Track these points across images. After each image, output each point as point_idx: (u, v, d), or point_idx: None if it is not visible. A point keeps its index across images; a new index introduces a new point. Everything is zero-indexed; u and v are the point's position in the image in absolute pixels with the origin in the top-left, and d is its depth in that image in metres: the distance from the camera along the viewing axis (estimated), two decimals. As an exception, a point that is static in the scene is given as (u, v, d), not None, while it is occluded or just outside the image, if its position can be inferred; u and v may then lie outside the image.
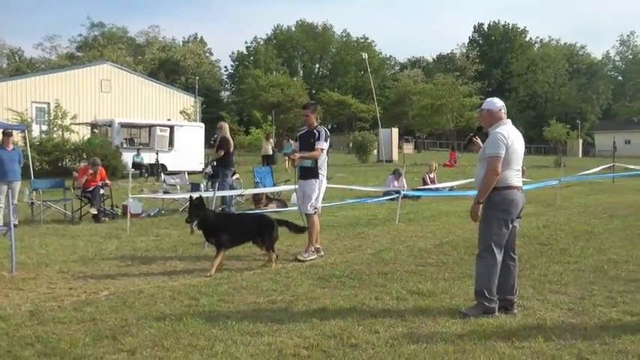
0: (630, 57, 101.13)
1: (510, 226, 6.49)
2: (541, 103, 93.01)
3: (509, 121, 6.65)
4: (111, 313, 6.55)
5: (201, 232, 9.20)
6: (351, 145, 51.90)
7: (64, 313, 6.57)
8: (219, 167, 15.10)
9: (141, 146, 31.58)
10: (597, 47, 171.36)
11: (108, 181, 15.56)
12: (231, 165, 15.47)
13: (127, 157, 28.85)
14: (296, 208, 10.94)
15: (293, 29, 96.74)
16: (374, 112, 58.12)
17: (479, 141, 7.05)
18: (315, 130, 9.69)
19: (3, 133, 14.65)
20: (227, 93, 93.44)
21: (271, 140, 26.37)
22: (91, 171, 14.88)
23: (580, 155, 68.87)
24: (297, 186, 10.24)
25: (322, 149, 9.60)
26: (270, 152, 33.66)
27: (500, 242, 6.42)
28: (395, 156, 45.47)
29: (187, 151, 31.49)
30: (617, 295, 7.16)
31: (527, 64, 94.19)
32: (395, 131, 47.85)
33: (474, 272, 6.71)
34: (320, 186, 9.75)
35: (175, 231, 12.74)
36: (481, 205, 6.44)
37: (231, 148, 15.20)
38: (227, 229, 8.97)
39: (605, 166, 28.19)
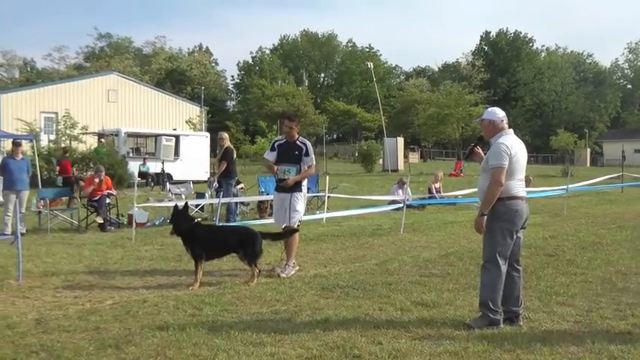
0: (639, 64, 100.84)
1: (515, 236, 6.46)
2: (548, 112, 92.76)
3: (511, 130, 6.63)
4: (115, 322, 6.55)
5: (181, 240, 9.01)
6: (356, 154, 51.89)
7: (69, 321, 6.59)
8: (223, 177, 15.13)
9: (147, 155, 31.71)
10: (605, 55, 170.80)
11: (113, 191, 15.60)
12: (235, 174, 15.50)
13: (133, 167, 28.90)
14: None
15: (298, 39, 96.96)
16: (379, 122, 58.16)
17: (480, 151, 7.04)
18: (298, 143, 9.42)
19: (13, 143, 14.86)
20: (233, 102, 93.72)
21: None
22: (96, 179, 14.92)
23: (588, 165, 68.68)
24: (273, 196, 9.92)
25: (313, 167, 9.44)
26: None
27: (504, 253, 6.39)
28: (400, 165, 45.44)
29: (193, 160, 31.60)
30: (626, 308, 7.10)
31: (533, 73, 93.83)
32: (400, 140, 47.82)
33: (479, 283, 6.67)
34: (304, 198, 9.57)
35: (180, 240, 12.69)
36: (486, 217, 6.40)
37: (234, 158, 15.26)
38: (205, 240, 8.76)
39: (612, 176, 28.04)
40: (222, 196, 14.82)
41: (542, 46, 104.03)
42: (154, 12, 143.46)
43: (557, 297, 7.66)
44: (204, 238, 8.78)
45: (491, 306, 6.34)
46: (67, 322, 6.58)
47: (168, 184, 18.79)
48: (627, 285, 8.37)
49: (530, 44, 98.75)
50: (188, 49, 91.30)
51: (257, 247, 8.82)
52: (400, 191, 19.25)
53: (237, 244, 8.78)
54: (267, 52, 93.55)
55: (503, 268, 6.40)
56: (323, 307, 7.18)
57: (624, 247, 11.61)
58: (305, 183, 9.60)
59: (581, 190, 24.25)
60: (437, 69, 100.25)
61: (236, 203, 15.28)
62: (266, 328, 6.28)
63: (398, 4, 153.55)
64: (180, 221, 8.94)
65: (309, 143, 9.56)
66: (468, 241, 12.54)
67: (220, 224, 9.53)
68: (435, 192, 20.73)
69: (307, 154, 9.39)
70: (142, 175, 28.80)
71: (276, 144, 9.80)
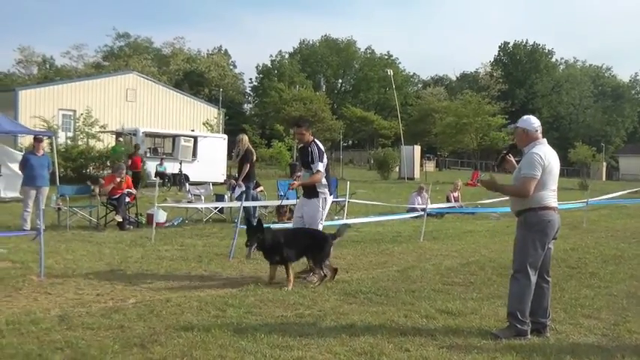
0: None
1: (546, 247, 6.40)
2: (565, 125, 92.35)
3: (545, 140, 6.56)
4: (139, 321, 6.52)
5: (262, 253, 8.86)
6: (372, 161, 51.80)
7: (93, 319, 6.57)
8: (242, 180, 15.08)
9: (164, 156, 31.72)
10: (624, 70, 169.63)
11: (133, 190, 15.61)
12: (254, 177, 15.45)
13: (151, 167, 28.92)
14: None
15: (317, 44, 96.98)
16: (396, 129, 57.99)
17: (512, 159, 6.97)
18: (308, 148, 9.35)
19: (34, 138, 14.84)
20: (250, 105, 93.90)
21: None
22: (118, 179, 14.92)
23: (604, 179, 68.36)
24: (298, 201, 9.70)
25: (320, 171, 9.23)
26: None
27: (535, 264, 6.33)
28: (417, 173, 45.32)
29: (210, 161, 31.59)
30: (653, 322, 7.01)
31: (551, 85, 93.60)
32: (417, 149, 47.69)
33: (507, 293, 6.60)
34: (324, 205, 9.44)
35: (200, 241, 12.75)
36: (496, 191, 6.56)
37: (254, 160, 15.23)
38: (288, 244, 8.71)
39: (633, 190, 27.87)
40: (241, 198, 14.80)
41: (561, 58, 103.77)
42: (173, 13, 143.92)
43: (583, 309, 7.59)
44: (287, 242, 8.71)
45: (520, 317, 6.28)
46: (90, 319, 6.55)
47: (187, 185, 18.75)
48: (652, 300, 8.28)
49: (549, 56, 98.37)
50: (207, 50, 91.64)
51: (326, 250, 8.84)
52: (419, 198, 19.18)
53: (310, 246, 8.79)
54: (287, 56, 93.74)
55: (533, 279, 6.34)
56: (347, 312, 7.13)
57: (647, 262, 11.48)
58: (323, 188, 9.39)
59: (600, 203, 24.04)
60: (455, 78, 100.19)
61: (254, 206, 15.21)
62: (291, 331, 6.24)
63: (417, 12, 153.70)
64: (265, 234, 8.74)
65: (315, 148, 9.33)
66: (488, 250, 12.51)
67: (294, 227, 9.39)
68: (453, 201, 20.65)
69: (312, 160, 9.27)
70: (159, 175, 28.77)
71: (299, 148, 9.91)
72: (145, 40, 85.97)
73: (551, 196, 6.40)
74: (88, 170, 29.43)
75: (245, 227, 9.07)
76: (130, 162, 24.94)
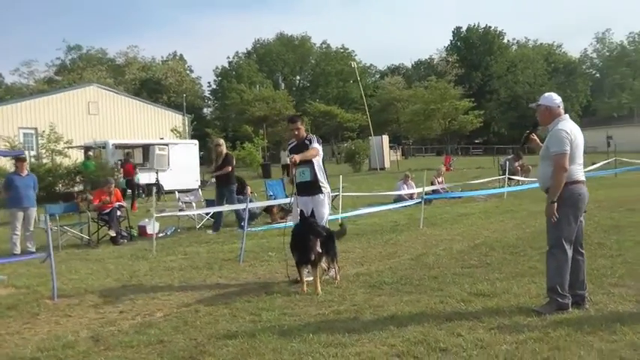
0: (607, 54, 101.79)
1: (578, 220, 6.44)
2: (523, 104, 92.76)
3: (567, 116, 6.60)
4: (176, 334, 6.39)
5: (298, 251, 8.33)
6: (341, 154, 51.76)
7: (128, 337, 6.40)
8: (224, 185, 14.97)
9: (137, 166, 31.17)
10: (574, 46, 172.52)
11: (123, 203, 15.38)
12: (234, 180, 15.34)
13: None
14: None
15: (272, 42, 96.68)
16: (360, 121, 57.96)
17: (536, 138, 7.01)
18: (306, 141, 9.13)
19: (17, 159, 14.48)
20: (210, 109, 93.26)
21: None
22: (106, 195, 14.69)
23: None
24: (292, 199, 9.30)
25: (316, 148, 8.93)
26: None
27: (570, 238, 6.39)
28: (387, 163, 45.35)
29: (183, 168, 31.22)
30: (679, 285, 7.09)
31: (506, 66, 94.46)
32: (385, 139, 47.70)
33: (545, 269, 6.64)
34: (328, 200, 9.33)
35: (201, 248, 12.58)
36: (556, 204, 6.34)
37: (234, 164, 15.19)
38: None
39: (607, 161, 28.46)
40: (226, 203, 14.74)
41: (513, 39, 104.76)
42: (124, 23, 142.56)
43: (607, 279, 7.75)
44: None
45: (560, 290, 6.35)
46: (126, 337, 6.39)
47: (177, 193, 18.50)
48: (668, 263, 8.40)
49: (501, 37, 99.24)
50: (162, 57, 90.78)
51: (336, 244, 8.72)
52: (405, 187, 19.23)
53: (324, 242, 8.44)
54: (243, 57, 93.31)
55: (569, 252, 6.40)
56: (381, 304, 7.11)
57: (644, 229, 11.60)
58: (325, 183, 9.19)
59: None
60: (410, 66, 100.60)
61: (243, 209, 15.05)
62: (337, 328, 6.18)
63: (369, 3, 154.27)
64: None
65: (314, 137, 9.24)
66: (489, 231, 12.65)
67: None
68: (438, 185, 20.71)
69: (311, 142, 9.07)
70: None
71: (289, 147, 9.59)
72: (99, 52, 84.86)
73: (579, 170, 6.48)
74: (57, 188, 28.75)
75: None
76: (122, 170, 24.83)
